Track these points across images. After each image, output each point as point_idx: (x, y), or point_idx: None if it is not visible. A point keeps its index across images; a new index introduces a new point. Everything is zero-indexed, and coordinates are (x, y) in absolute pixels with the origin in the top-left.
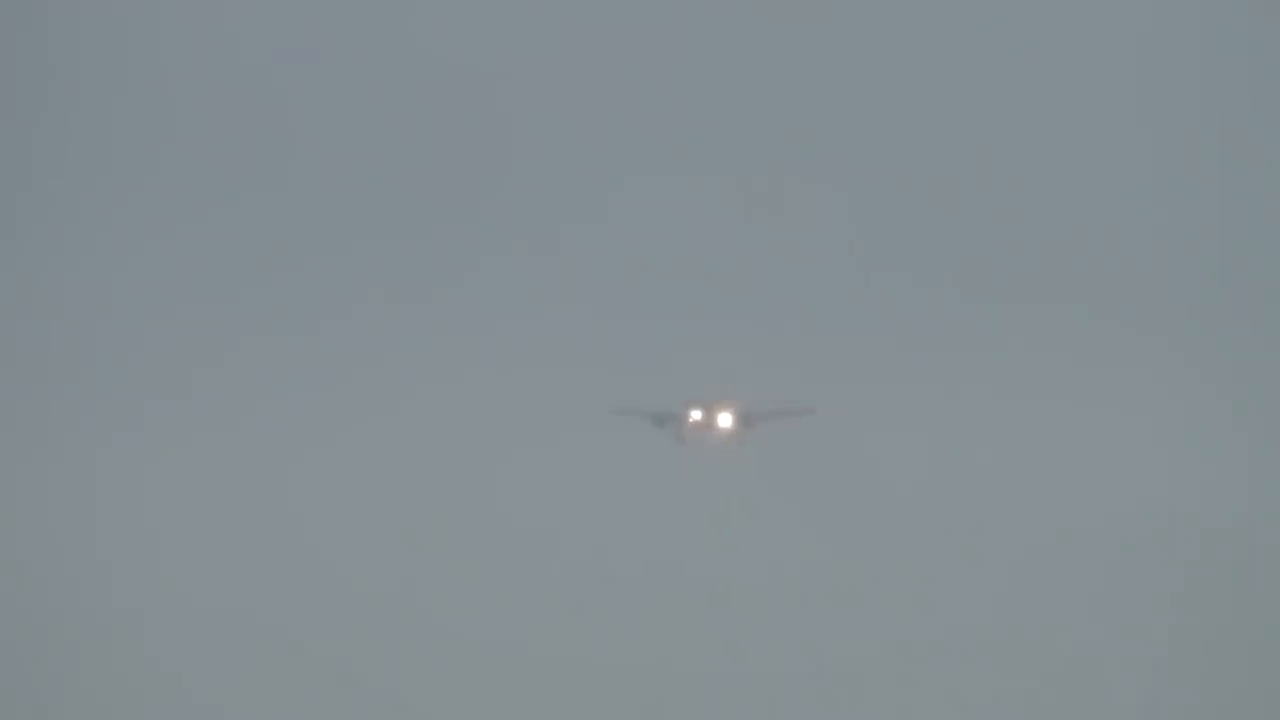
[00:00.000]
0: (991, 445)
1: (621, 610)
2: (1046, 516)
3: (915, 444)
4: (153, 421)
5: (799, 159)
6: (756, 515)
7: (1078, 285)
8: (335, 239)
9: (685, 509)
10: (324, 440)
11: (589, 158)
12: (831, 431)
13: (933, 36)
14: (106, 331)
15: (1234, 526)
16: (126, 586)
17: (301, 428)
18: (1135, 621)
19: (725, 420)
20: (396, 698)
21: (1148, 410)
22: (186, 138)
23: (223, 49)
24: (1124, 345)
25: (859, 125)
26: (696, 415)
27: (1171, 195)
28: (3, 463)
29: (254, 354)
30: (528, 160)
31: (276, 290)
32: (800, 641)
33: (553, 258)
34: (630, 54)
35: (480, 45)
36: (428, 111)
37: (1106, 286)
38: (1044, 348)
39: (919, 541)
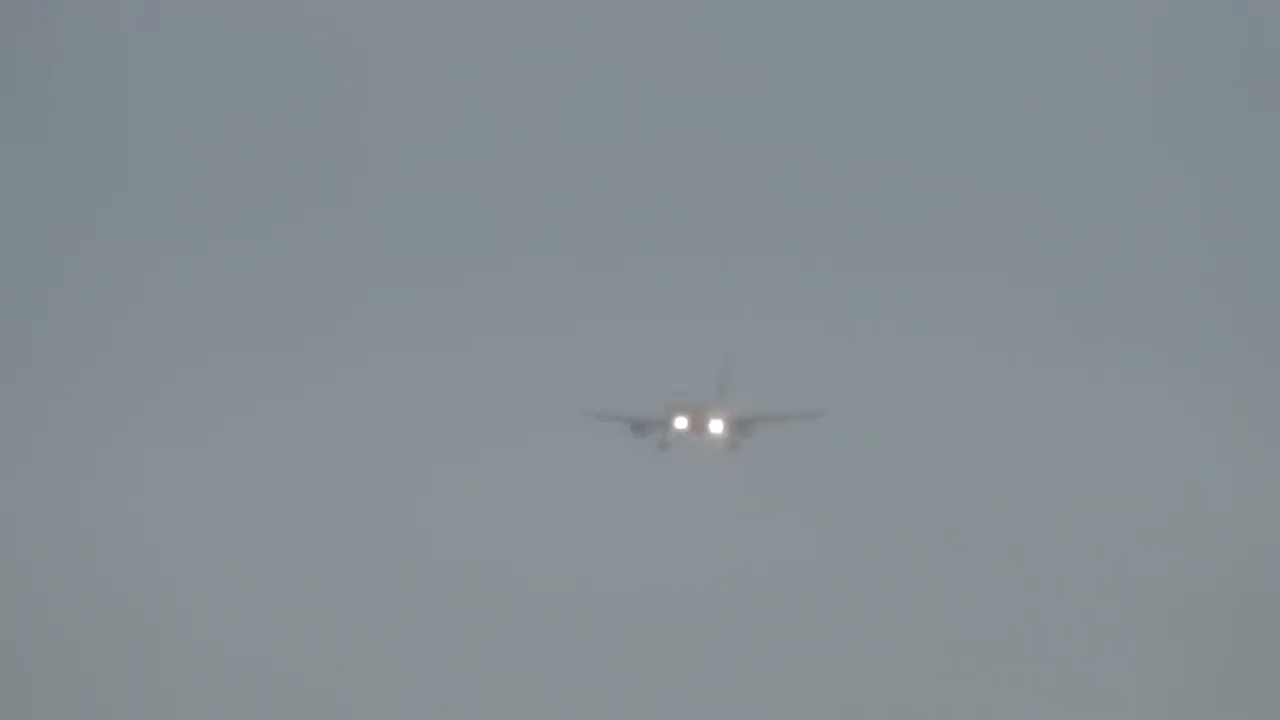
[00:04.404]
0: (1004, 457)
1: (596, 641)
2: (1058, 533)
3: (929, 455)
4: (145, 421)
5: (802, 157)
6: (749, 543)
7: (1084, 290)
8: (313, 245)
9: (666, 534)
10: (296, 445)
11: (572, 147)
12: (840, 441)
13: (940, 29)
14: (102, 333)
15: (1239, 530)
16: (121, 586)
17: (274, 432)
18: (1138, 626)
19: (717, 427)
20: (364, 705)
21: (1157, 418)
22: (182, 148)
23: (190, 56)
24: (1137, 353)
25: (869, 119)
26: (682, 422)
27: (1179, 210)
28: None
29: (236, 360)
30: (507, 158)
31: (259, 297)
32: (796, 679)
33: (521, 234)
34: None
35: (475, 53)
36: (411, 117)
37: (1116, 293)
38: (1054, 354)
39: (938, 570)
